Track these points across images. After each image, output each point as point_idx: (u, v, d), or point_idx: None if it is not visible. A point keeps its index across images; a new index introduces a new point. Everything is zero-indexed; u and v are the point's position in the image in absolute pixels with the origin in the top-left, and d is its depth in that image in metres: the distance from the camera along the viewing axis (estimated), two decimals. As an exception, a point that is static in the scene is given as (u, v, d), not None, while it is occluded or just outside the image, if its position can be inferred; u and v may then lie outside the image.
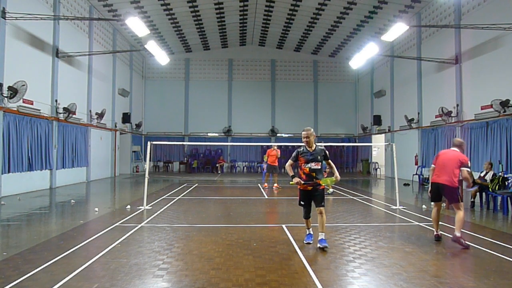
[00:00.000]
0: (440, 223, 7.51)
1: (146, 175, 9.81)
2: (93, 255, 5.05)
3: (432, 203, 6.45)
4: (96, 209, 9.00)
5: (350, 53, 23.67)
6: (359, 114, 27.38)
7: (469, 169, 6.14)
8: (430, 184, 6.33)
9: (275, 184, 14.20)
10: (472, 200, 9.74)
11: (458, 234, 5.65)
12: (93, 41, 17.83)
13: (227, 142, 25.86)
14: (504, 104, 11.74)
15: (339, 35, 22.83)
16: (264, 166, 15.29)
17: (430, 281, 4.14)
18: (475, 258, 5.24)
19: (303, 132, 5.78)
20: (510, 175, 10.59)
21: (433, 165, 6.27)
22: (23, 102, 12.07)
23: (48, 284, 3.97)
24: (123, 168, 22.70)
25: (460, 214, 5.84)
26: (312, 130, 5.86)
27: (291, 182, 5.79)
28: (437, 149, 16.42)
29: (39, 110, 13.10)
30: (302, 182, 5.66)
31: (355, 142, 26.90)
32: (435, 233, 6.24)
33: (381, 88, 22.97)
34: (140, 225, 7.14)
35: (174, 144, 25.82)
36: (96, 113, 17.99)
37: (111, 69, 20.56)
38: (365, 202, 10.61)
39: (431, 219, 7.89)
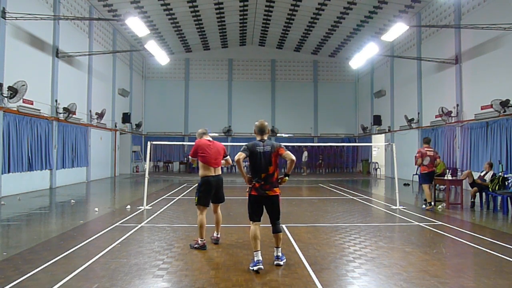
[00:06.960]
0: (440, 223, 7.56)
1: (146, 175, 9.80)
2: (93, 255, 5.05)
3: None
4: (96, 209, 9.00)
5: (350, 53, 23.66)
6: (359, 114, 27.37)
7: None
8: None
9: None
10: (472, 200, 9.75)
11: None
12: (93, 41, 17.82)
13: (227, 142, 25.83)
14: (504, 104, 11.74)
15: (339, 35, 22.82)
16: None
17: (430, 281, 4.14)
18: (475, 258, 5.24)
19: None
20: (510, 175, 10.60)
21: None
22: (23, 102, 12.05)
23: (48, 284, 3.97)
24: (123, 168, 22.69)
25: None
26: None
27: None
28: (437, 149, 16.39)
29: (39, 110, 13.09)
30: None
31: (355, 142, 26.90)
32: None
33: (381, 88, 22.96)
34: (140, 225, 7.14)
35: (174, 144, 25.79)
36: (96, 113, 17.98)
37: (111, 69, 20.55)
38: (365, 202, 10.61)
39: (431, 219, 7.93)
